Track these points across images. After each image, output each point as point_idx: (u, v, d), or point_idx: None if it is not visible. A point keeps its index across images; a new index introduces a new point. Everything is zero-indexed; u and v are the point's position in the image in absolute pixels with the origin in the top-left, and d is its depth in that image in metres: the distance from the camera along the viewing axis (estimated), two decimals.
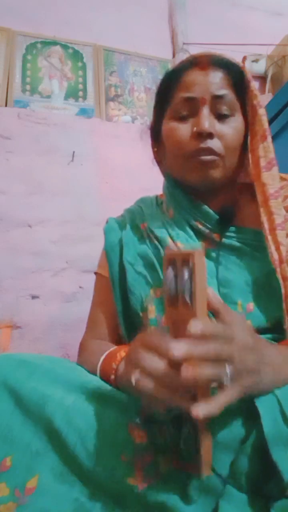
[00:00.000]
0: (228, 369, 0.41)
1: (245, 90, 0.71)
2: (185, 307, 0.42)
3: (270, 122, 1.30)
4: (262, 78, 2.28)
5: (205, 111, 0.67)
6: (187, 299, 0.41)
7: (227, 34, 2.23)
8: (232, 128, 0.68)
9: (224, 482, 0.46)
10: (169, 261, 0.43)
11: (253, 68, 2.25)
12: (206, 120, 0.66)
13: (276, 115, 1.29)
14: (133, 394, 0.45)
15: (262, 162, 0.69)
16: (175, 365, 0.40)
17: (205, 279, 0.43)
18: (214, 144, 0.67)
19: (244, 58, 2.26)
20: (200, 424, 0.42)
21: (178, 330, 0.42)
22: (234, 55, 0.76)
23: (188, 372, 0.38)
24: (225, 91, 0.68)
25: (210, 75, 0.68)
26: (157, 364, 0.41)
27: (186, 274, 0.42)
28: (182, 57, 2.06)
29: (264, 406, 0.46)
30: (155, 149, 0.81)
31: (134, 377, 0.42)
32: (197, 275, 0.41)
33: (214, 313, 0.44)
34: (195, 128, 0.67)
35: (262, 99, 0.73)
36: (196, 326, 0.39)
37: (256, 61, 2.24)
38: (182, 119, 0.69)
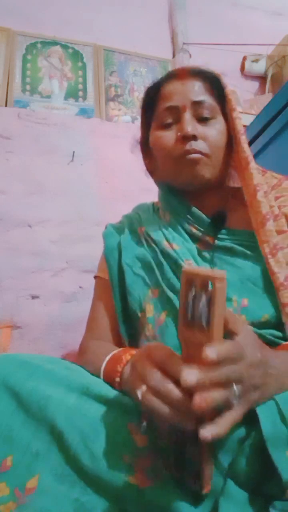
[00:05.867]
0: (236, 389, 0.41)
1: (223, 95, 0.75)
2: (200, 330, 0.40)
3: (270, 122, 1.31)
4: (262, 78, 2.29)
5: (187, 116, 0.71)
6: (204, 323, 0.40)
7: (227, 34, 2.23)
8: (214, 129, 0.73)
9: (225, 476, 0.46)
10: (188, 281, 0.41)
11: (253, 68, 2.26)
12: (189, 124, 0.70)
13: (276, 115, 1.29)
14: (137, 402, 0.45)
15: (242, 163, 0.73)
16: (177, 384, 0.40)
17: (224, 305, 0.41)
18: (199, 145, 0.71)
19: (244, 58, 2.26)
20: (204, 445, 0.42)
21: (190, 350, 0.42)
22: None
23: (201, 401, 0.38)
24: (204, 97, 0.73)
25: (188, 84, 0.74)
26: (166, 385, 0.41)
27: (204, 298, 0.40)
28: (182, 57, 2.07)
29: (263, 408, 0.46)
30: (147, 161, 0.86)
31: (140, 392, 0.43)
32: (217, 300, 0.39)
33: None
34: (179, 133, 0.71)
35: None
36: (211, 353, 0.39)
37: (256, 61, 2.24)
38: (166, 127, 0.74)
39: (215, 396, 0.39)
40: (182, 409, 0.40)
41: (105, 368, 0.60)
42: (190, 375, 0.38)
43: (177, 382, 0.41)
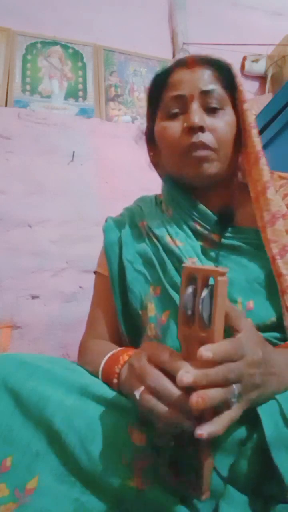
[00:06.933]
0: (236, 389, 0.40)
1: (234, 85, 0.71)
2: (201, 327, 0.40)
3: (270, 122, 1.30)
4: (262, 78, 2.29)
5: (195, 106, 0.67)
6: (205, 320, 0.39)
7: (227, 34, 2.23)
8: (223, 121, 0.69)
9: (225, 482, 0.46)
10: (189, 277, 0.41)
11: (253, 68, 2.26)
12: (196, 115, 0.66)
13: (276, 115, 1.28)
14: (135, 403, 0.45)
15: (251, 158, 0.69)
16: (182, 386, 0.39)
17: (225, 300, 0.41)
18: (206, 137, 0.67)
19: (244, 58, 2.26)
20: (203, 445, 0.41)
21: (190, 348, 0.41)
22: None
23: (198, 399, 0.37)
24: (213, 86, 0.69)
25: (197, 73, 0.70)
26: (164, 384, 0.41)
27: (205, 293, 0.39)
28: (182, 57, 2.06)
29: (265, 410, 0.45)
30: (151, 153, 0.82)
31: (138, 392, 0.42)
32: (219, 295, 0.39)
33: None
34: (185, 124, 0.67)
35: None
36: (206, 352, 0.38)
37: (256, 61, 2.24)
38: (173, 117, 0.70)
39: (213, 394, 0.38)
40: (181, 408, 0.39)
41: (103, 368, 0.59)
42: (186, 374, 0.38)
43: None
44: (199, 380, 0.38)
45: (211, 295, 0.39)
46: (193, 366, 0.40)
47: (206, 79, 0.69)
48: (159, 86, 0.74)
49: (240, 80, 0.72)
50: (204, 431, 0.37)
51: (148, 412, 0.41)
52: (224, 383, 0.39)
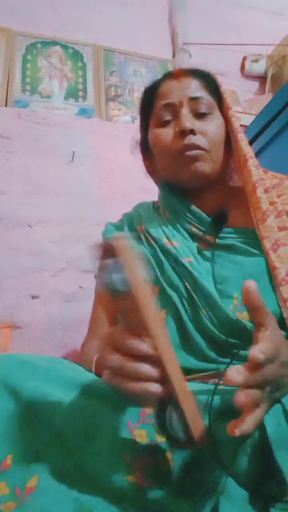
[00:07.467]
0: (269, 389, 0.41)
1: (220, 94, 0.77)
2: (125, 296, 0.39)
3: (270, 122, 1.31)
4: (262, 78, 2.29)
5: (185, 112, 0.73)
6: (123, 288, 0.39)
7: (227, 34, 2.23)
8: (212, 124, 0.74)
9: (226, 476, 0.46)
10: (102, 253, 0.41)
11: (253, 68, 2.26)
12: (187, 119, 0.71)
13: (276, 115, 1.28)
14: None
15: (241, 161, 0.74)
16: (132, 357, 0.40)
17: (136, 263, 0.40)
18: (198, 139, 0.71)
19: (244, 58, 2.26)
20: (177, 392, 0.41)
21: (127, 319, 0.42)
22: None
23: (245, 401, 0.38)
24: (201, 93, 0.75)
25: (184, 82, 0.76)
26: (118, 362, 0.41)
27: (117, 263, 0.39)
28: (182, 57, 2.07)
29: None
30: (146, 162, 0.86)
31: (105, 376, 0.43)
32: (126, 261, 0.38)
33: (251, 311, 0.43)
34: (177, 128, 0.72)
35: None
36: (259, 355, 0.39)
37: (256, 61, 2.24)
38: (165, 124, 0.75)
39: (255, 395, 0.39)
40: (143, 377, 0.40)
41: (95, 368, 0.61)
42: (238, 375, 0.38)
43: (131, 355, 0.40)
44: (247, 382, 0.39)
45: (121, 263, 0.39)
46: (240, 367, 0.40)
47: (193, 87, 0.75)
48: (150, 98, 0.80)
49: (224, 89, 0.79)
50: (238, 429, 0.38)
51: (122, 391, 0.41)
52: (264, 385, 0.40)
